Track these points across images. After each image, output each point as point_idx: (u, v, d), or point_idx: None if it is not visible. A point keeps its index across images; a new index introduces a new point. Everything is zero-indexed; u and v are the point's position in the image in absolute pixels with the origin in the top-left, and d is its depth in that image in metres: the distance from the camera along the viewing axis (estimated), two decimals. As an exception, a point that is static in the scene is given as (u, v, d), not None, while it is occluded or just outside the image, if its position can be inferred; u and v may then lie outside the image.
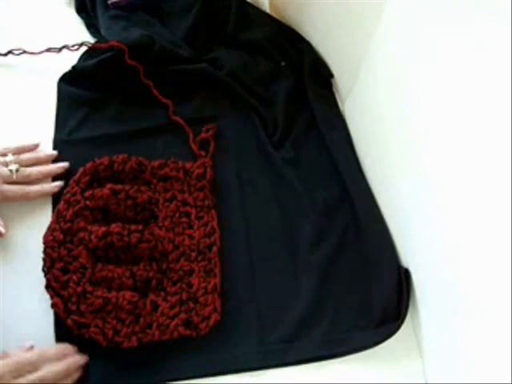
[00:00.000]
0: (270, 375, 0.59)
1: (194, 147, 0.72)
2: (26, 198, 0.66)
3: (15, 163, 0.66)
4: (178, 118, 0.74)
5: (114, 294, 0.59)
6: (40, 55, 0.80)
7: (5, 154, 0.66)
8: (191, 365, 0.58)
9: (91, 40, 0.83)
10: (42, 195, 0.66)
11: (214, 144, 0.73)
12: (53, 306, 0.59)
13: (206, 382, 0.58)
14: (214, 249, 0.64)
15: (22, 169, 0.66)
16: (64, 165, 0.69)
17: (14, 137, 0.68)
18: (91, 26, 0.86)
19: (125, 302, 0.59)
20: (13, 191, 0.65)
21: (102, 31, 0.83)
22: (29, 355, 0.53)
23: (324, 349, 0.59)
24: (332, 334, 0.60)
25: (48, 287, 0.60)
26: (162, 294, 0.61)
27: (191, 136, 0.73)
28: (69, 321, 0.58)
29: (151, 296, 0.61)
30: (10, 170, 0.65)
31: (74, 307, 0.59)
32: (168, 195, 0.67)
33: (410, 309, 0.60)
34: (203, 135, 0.73)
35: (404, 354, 0.60)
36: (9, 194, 0.64)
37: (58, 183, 0.67)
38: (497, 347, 0.43)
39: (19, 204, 0.67)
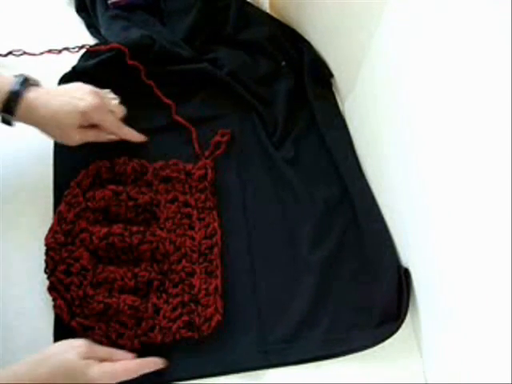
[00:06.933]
0: (270, 375, 0.59)
1: (197, 147, 0.72)
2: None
3: None
4: (180, 119, 0.74)
5: (114, 299, 0.59)
6: (40, 56, 0.80)
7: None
8: (192, 365, 0.58)
9: (91, 40, 0.83)
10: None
11: (224, 148, 0.73)
12: (56, 308, 0.59)
13: (206, 382, 0.58)
14: (215, 250, 0.64)
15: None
16: None
17: (14, 137, 0.68)
18: (91, 26, 0.86)
19: (126, 307, 0.59)
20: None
21: (102, 31, 0.83)
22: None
23: (324, 348, 0.60)
24: (332, 333, 0.60)
25: (52, 290, 0.60)
26: (164, 296, 0.61)
27: (194, 136, 0.73)
28: (73, 323, 0.58)
29: (153, 299, 0.61)
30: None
31: (78, 310, 0.59)
32: (169, 196, 0.67)
33: (410, 309, 0.60)
34: (217, 139, 0.73)
35: (404, 354, 0.60)
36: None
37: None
38: (497, 347, 0.43)
39: (20, 205, 0.68)
